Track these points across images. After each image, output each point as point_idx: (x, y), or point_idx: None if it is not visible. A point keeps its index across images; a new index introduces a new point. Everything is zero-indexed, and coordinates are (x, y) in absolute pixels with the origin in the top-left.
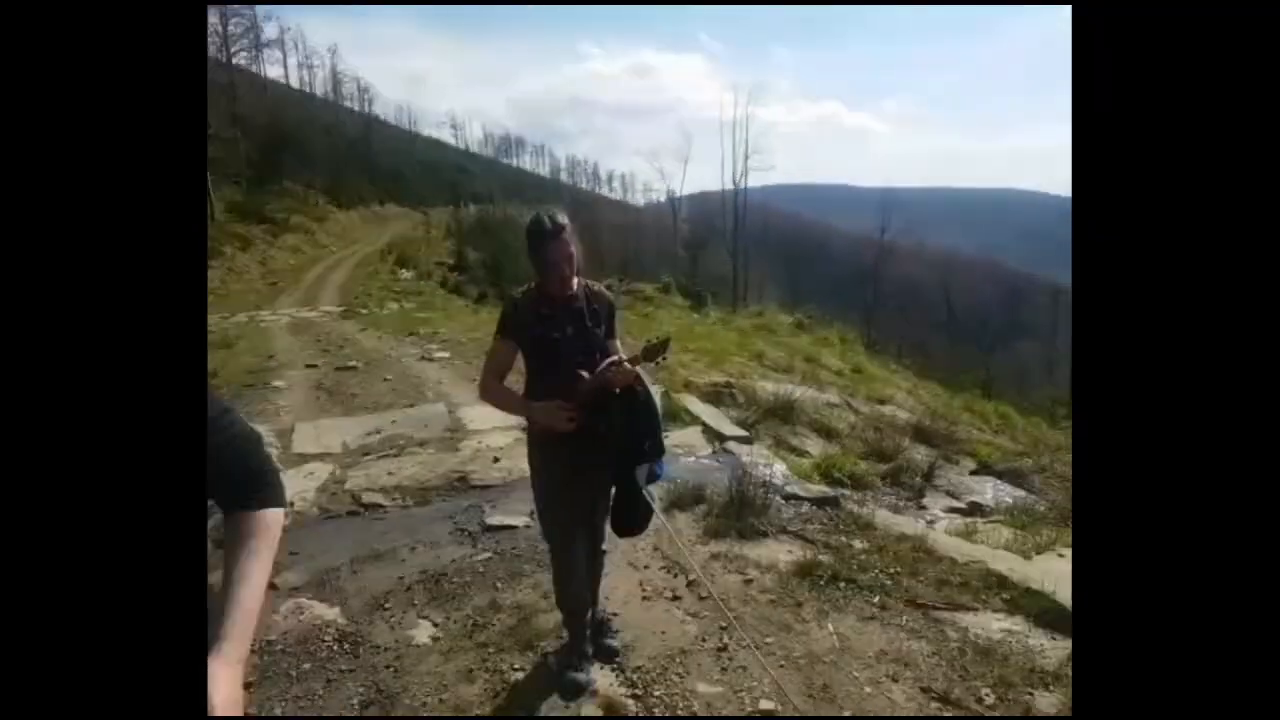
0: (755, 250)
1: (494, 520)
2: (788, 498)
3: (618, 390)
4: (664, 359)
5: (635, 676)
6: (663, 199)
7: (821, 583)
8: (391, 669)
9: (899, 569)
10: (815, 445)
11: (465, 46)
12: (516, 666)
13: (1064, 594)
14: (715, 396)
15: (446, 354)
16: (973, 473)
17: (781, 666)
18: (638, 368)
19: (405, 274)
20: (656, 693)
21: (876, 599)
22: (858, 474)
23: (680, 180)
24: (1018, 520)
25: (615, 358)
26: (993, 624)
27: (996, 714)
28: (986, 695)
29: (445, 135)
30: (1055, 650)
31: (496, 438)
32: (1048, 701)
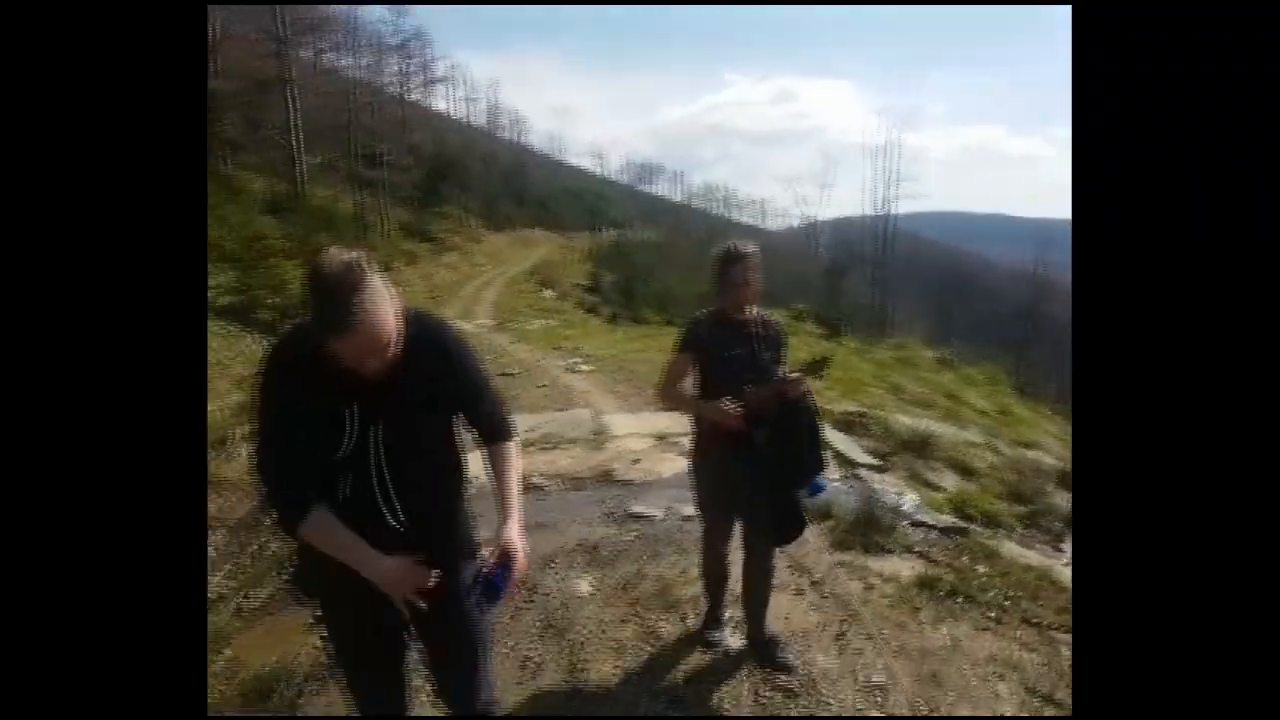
0: (900, 280)
1: (636, 509)
2: (915, 524)
3: (787, 400)
4: (823, 375)
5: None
6: (797, 224)
7: (940, 595)
8: (561, 609)
9: (1020, 593)
10: (951, 481)
11: (610, 79)
12: (662, 620)
13: None
14: (847, 425)
15: (589, 368)
16: None
17: (895, 655)
18: (803, 383)
19: (548, 294)
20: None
21: (993, 614)
22: (993, 512)
23: (819, 206)
24: None
25: (784, 374)
26: None
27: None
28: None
29: (588, 164)
30: None
31: (635, 442)
32: None
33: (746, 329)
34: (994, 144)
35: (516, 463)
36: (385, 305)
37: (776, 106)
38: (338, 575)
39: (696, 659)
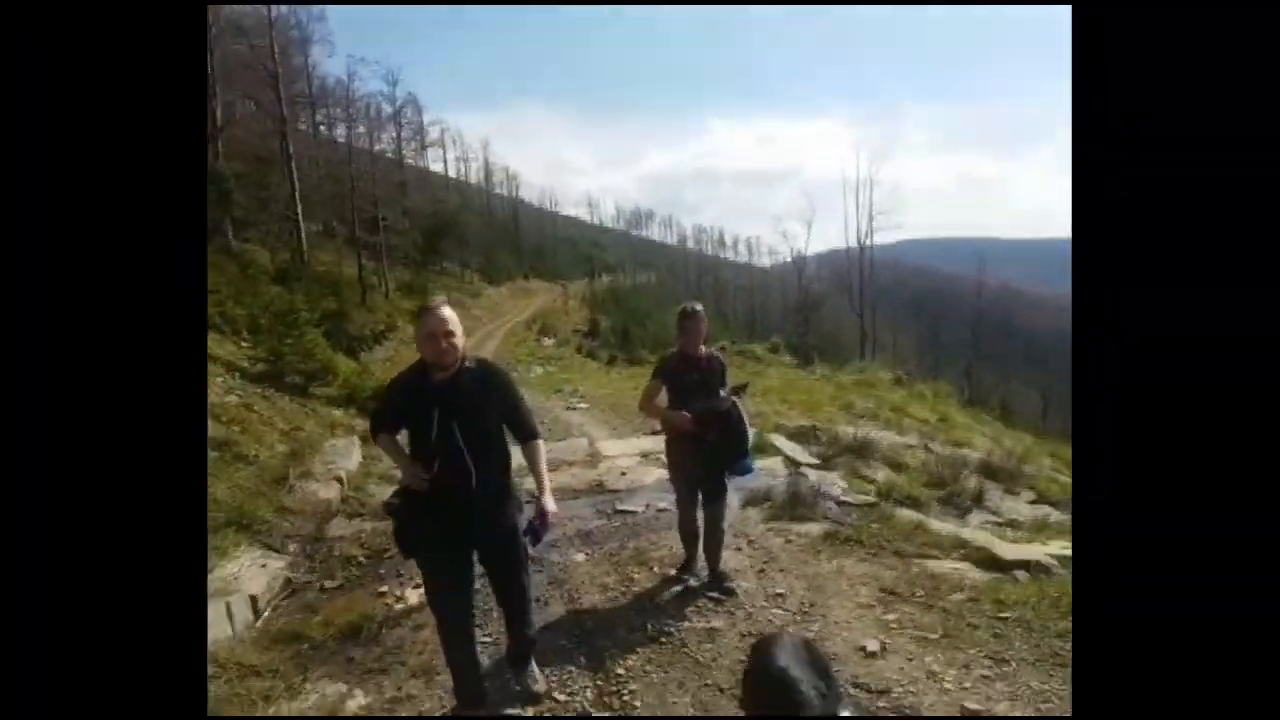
0: (887, 306)
1: (622, 507)
2: (840, 503)
3: (720, 411)
4: (743, 395)
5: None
6: (789, 259)
7: (837, 542)
8: (562, 570)
9: (897, 537)
10: (884, 475)
11: (598, 130)
12: (637, 574)
13: (1000, 550)
14: (801, 436)
15: (585, 405)
16: (1030, 502)
17: (796, 578)
18: (732, 399)
19: (547, 341)
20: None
21: (873, 551)
22: (913, 495)
23: (805, 241)
24: (1035, 528)
25: (721, 393)
26: (946, 565)
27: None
28: (919, 593)
29: (582, 213)
30: (977, 576)
31: (624, 460)
32: (960, 599)
33: (700, 362)
34: (974, 170)
35: (543, 455)
36: (455, 316)
37: (760, 148)
38: (428, 536)
39: (658, 589)
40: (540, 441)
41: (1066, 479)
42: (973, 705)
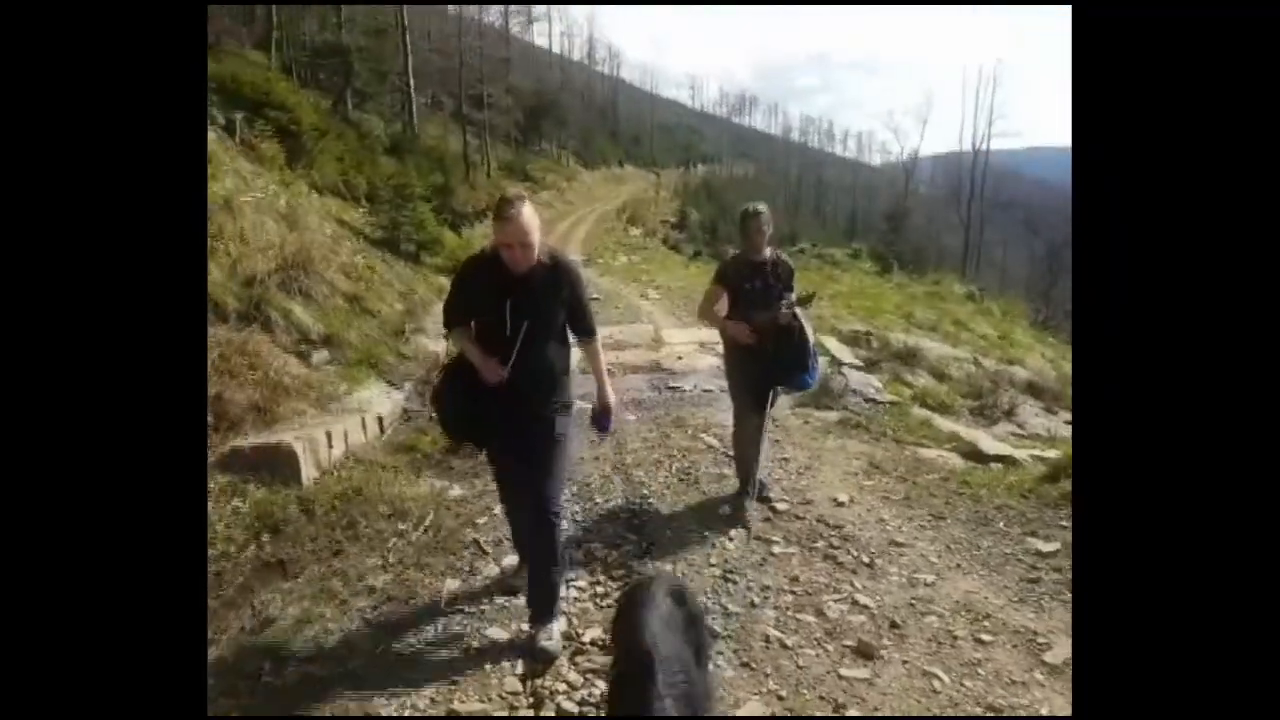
0: (1000, 219)
1: (672, 384)
2: (867, 400)
3: (781, 324)
4: (809, 305)
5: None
6: (904, 158)
7: (848, 428)
8: (617, 426)
9: (901, 429)
10: (924, 382)
11: (708, 5)
12: (673, 434)
13: (984, 445)
14: (853, 340)
15: (658, 295)
16: (1066, 422)
17: (802, 449)
18: (795, 310)
19: (635, 231)
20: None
21: (875, 437)
22: (946, 402)
23: (919, 141)
24: (1046, 440)
25: (782, 304)
26: (933, 452)
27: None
28: (901, 469)
29: (683, 96)
30: (957, 463)
31: (682, 347)
32: (933, 477)
33: (764, 267)
34: None
35: (602, 353)
36: (535, 221)
37: (883, 32)
38: (478, 423)
39: (687, 443)
40: (598, 340)
41: None
42: (900, 539)
